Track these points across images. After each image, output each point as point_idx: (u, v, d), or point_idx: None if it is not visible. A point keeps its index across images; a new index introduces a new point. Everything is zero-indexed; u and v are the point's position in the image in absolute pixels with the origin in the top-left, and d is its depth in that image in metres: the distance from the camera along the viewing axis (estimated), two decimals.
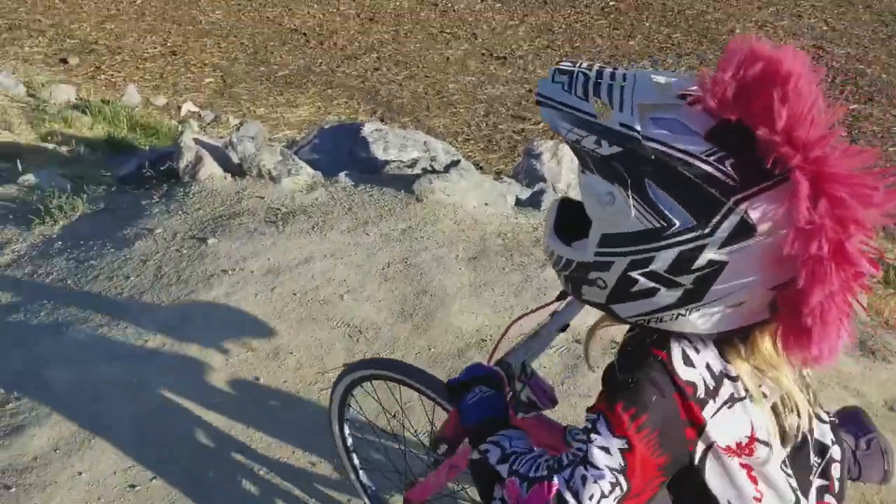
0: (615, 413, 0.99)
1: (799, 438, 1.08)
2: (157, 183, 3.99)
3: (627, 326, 1.11)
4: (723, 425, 1.01)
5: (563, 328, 1.48)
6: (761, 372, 1.02)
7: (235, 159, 4.08)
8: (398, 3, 10.74)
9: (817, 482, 1.14)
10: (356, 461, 2.16)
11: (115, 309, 3.00)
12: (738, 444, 1.02)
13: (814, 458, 1.14)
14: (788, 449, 1.07)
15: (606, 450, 0.99)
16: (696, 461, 1.02)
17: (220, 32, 9.21)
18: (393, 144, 4.56)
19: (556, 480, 1.01)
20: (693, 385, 1.00)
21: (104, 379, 2.66)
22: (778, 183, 0.88)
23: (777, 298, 0.94)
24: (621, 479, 0.98)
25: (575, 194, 1.07)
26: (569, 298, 1.42)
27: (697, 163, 0.89)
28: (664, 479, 1.03)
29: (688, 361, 1.01)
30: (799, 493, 1.07)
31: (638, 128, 0.90)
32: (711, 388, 1.00)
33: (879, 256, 0.90)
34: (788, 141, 0.85)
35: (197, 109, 7.29)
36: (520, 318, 1.46)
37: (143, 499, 2.27)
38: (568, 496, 0.99)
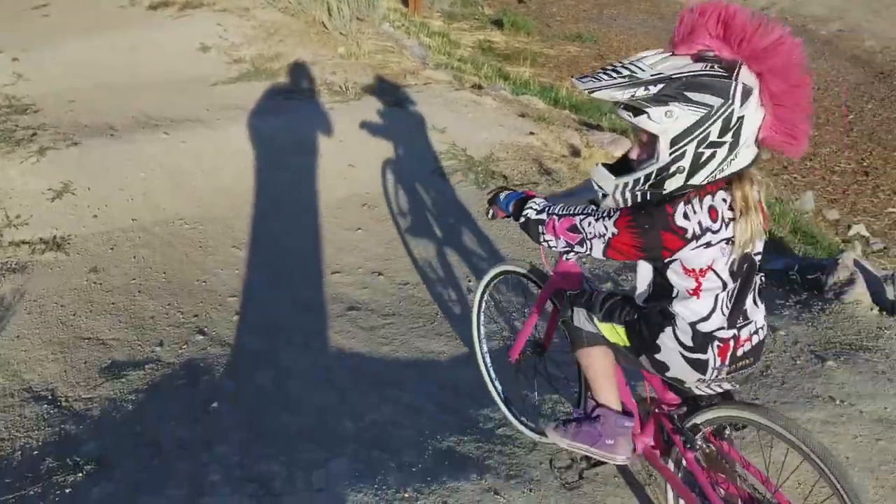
0: (623, 217, 1.79)
1: (746, 269, 1.82)
2: (798, 288, 3.93)
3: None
4: (694, 257, 1.75)
5: None
6: (746, 204, 1.71)
7: (891, 295, 3.74)
8: None
9: (753, 294, 1.89)
10: (485, 348, 2.92)
11: None
12: (699, 270, 1.77)
13: (755, 275, 1.87)
14: (738, 279, 1.82)
15: (605, 225, 1.82)
16: (665, 262, 1.81)
17: None
18: None
19: (575, 219, 1.90)
20: (684, 230, 1.71)
21: None
22: (741, 66, 1.60)
23: (764, 125, 1.64)
24: (607, 235, 1.81)
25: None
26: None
27: (705, 72, 1.61)
28: (640, 255, 1.82)
29: (686, 217, 1.71)
30: (726, 306, 1.83)
31: (662, 72, 1.62)
32: (696, 235, 1.71)
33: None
34: (725, 41, 1.62)
35: (867, 234, 6.89)
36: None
37: None
38: (581, 225, 1.88)
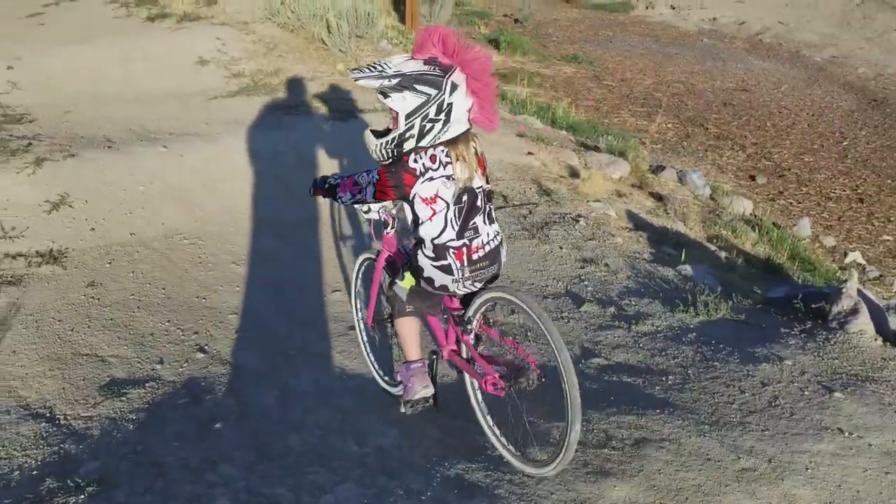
0: (381, 168, 2.59)
1: (467, 198, 2.57)
2: (802, 317, 3.93)
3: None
4: (424, 188, 2.51)
5: None
6: (464, 157, 2.51)
7: (894, 325, 3.75)
8: None
9: (482, 217, 2.63)
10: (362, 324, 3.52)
11: (678, 407, 3.07)
12: (429, 198, 2.52)
13: (481, 202, 2.62)
14: (461, 204, 2.56)
15: (372, 175, 2.67)
16: (411, 198, 2.54)
17: None
18: None
19: (355, 176, 2.78)
20: (414, 170, 2.50)
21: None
22: (455, 69, 2.39)
23: (472, 110, 2.47)
24: (373, 181, 2.65)
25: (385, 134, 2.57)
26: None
27: (428, 72, 2.38)
28: (395, 193, 2.57)
29: (415, 161, 2.50)
30: (454, 223, 2.57)
31: (401, 70, 2.40)
32: (421, 172, 2.50)
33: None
34: (444, 53, 2.41)
35: (863, 262, 6.92)
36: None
37: None
38: (358, 179, 2.75)
